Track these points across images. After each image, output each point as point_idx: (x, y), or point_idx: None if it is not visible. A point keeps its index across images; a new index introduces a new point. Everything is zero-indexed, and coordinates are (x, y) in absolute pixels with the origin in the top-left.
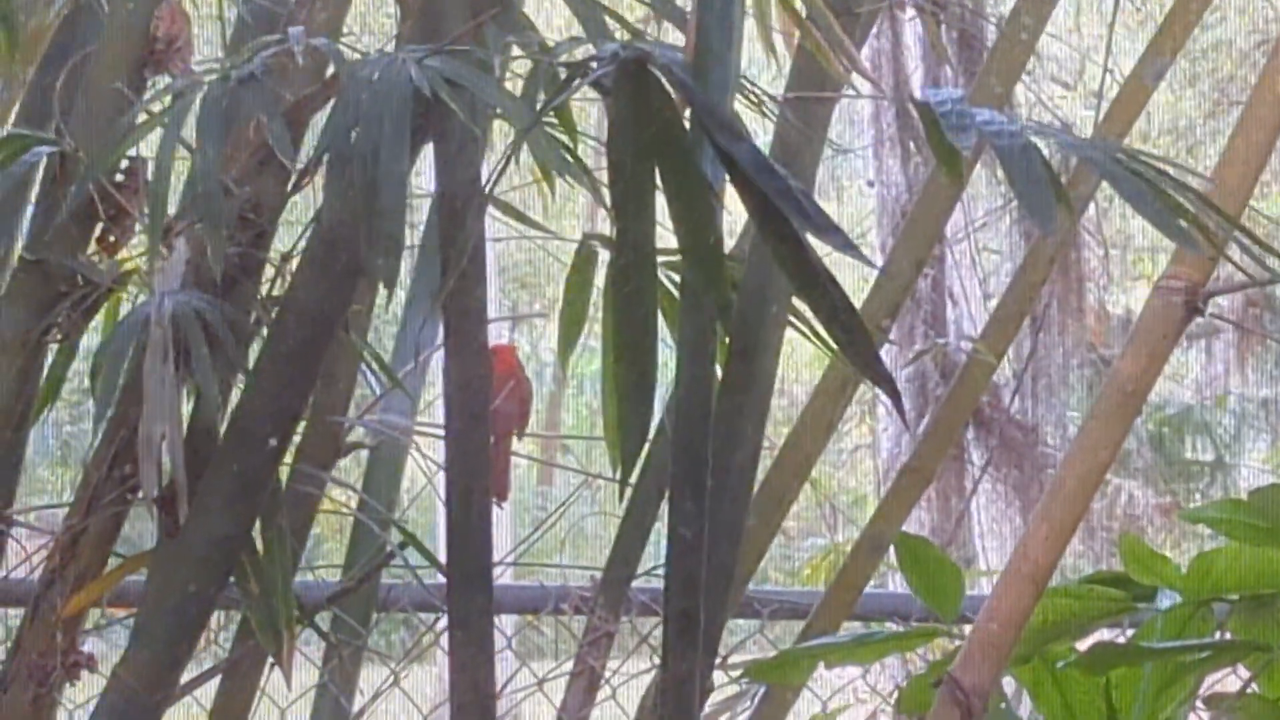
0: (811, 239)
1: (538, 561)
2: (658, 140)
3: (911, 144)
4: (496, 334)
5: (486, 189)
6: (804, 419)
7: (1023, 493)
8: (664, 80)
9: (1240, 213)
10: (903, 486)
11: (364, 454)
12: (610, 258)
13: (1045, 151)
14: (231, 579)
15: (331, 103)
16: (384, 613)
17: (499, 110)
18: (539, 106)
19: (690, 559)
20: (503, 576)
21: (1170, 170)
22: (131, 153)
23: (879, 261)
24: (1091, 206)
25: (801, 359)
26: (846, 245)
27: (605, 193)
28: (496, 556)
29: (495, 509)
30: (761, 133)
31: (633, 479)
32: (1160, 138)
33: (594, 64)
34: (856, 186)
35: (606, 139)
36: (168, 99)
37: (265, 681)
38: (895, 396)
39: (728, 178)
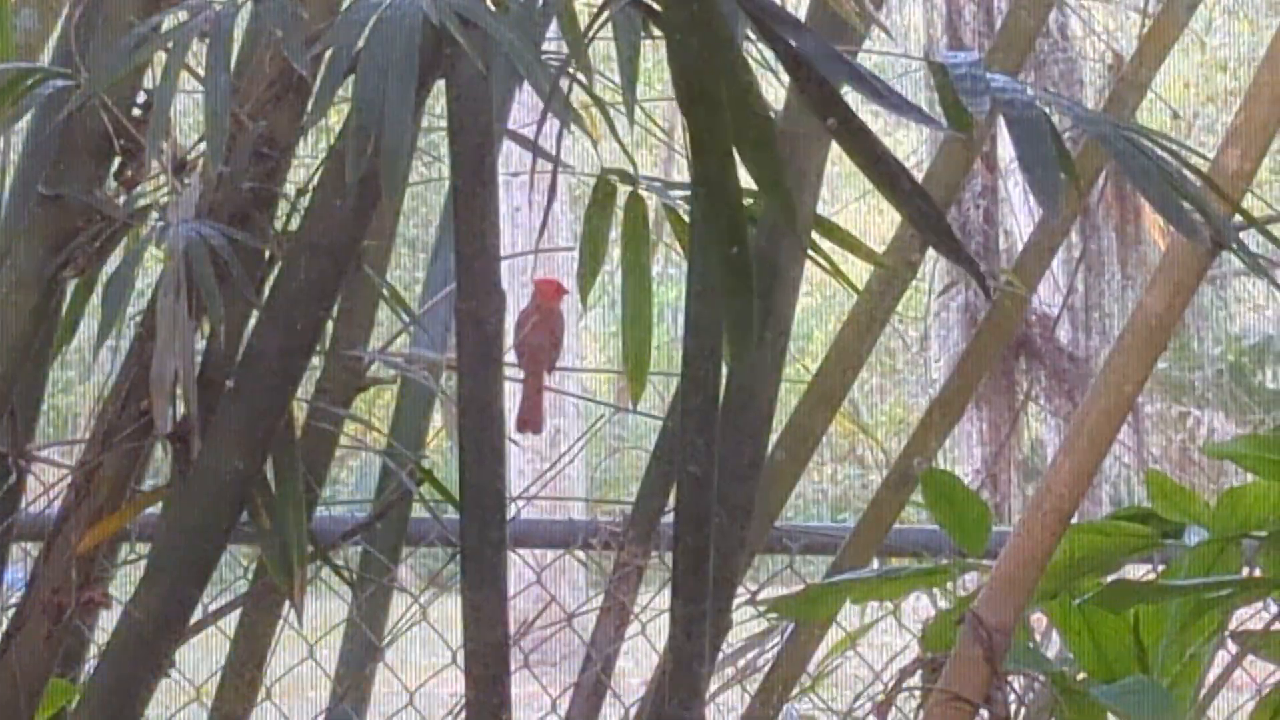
0: None
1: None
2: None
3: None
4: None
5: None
6: (831, 354)
7: None
8: None
9: (1242, 197)
10: (933, 420)
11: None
12: (692, 193)
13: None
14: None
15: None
16: (413, 547)
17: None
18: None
19: (699, 496)
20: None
21: (1183, 151)
22: (151, 87)
23: None
24: None
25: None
26: (924, 119)
27: (620, 128)
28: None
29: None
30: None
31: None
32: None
33: None
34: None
35: (670, 71)
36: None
37: (288, 615)
38: (976, 274)
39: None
